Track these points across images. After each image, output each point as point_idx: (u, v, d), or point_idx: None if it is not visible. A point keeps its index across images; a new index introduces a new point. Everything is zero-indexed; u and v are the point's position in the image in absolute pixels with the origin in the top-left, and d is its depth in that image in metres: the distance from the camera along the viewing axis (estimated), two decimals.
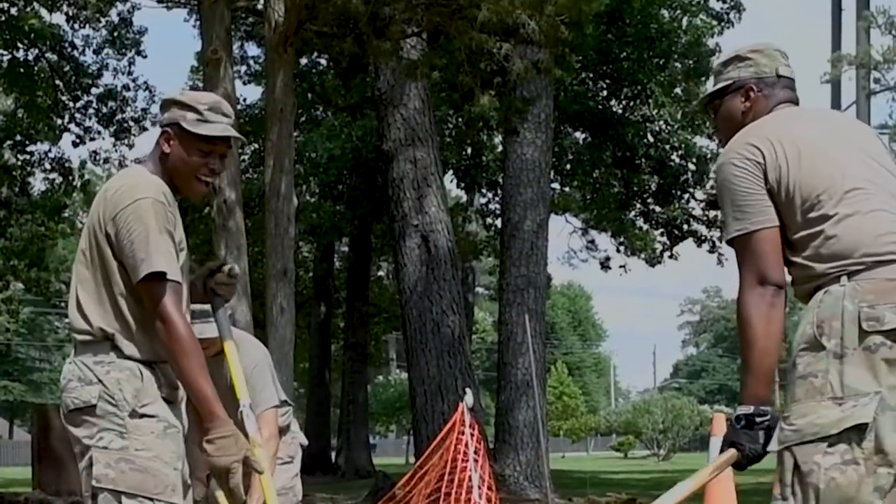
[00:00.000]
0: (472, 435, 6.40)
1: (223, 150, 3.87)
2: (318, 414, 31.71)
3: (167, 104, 3.86)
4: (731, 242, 3.40)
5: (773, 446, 3.26)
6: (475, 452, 6.15)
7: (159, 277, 3.54)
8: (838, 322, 3.16)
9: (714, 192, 3.62)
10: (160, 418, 3.61)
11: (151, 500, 3.53)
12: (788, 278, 3.42)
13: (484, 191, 28.35)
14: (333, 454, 32.49)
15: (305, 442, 4.64)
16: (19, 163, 23.67)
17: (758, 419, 3.30)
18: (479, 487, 6.22)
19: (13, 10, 20.79)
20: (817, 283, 3.28)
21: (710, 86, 3.85)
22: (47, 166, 23.75)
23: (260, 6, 13.83)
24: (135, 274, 3.56)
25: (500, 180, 20.38)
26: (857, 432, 3.08)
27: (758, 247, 3.32)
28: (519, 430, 16.02)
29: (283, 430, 4.94)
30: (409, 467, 8.46)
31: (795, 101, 3.68)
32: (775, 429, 3.28)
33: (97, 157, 23.93)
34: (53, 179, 23.78)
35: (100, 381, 3.58)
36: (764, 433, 3.30)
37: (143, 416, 3.58)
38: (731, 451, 3.34)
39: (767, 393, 3.34)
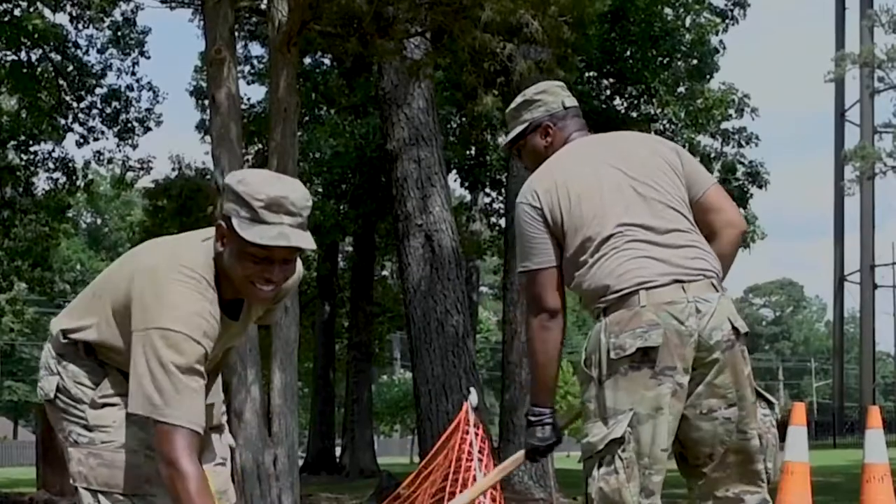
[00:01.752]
0: (476, 434, 6.40)
1: (285, 256, 3.19)
2: (322, 413, 31.74)
3: (226, 190, 3.23)
4: (519, 275, 4.08)
5: (581, 459, 3.84)
6: (480, 452, 6.16)
7: (171, 427, 3.11)
8: (597, 355, 3.72)
9: None
10: (122, 405, 3.30)
11: (125, 495, 3.31)
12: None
13: (488, 190, 28.38)
14: (338, 454, 32.51)
15: (234, 444, 4.34)
16: (23, 163, 23.70)
17: (532, 419, 3.99)
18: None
19: (17, 11, 20.81)
20: (594, 319, 3.82)
21: (509, 130, 4.16)
22: (51, 166, 23.77)
23: (263, 6, 13.83)
24: (147, 410, 3.13)
25: (504, 179, 20.38)
26: (617, 444, 3.65)
27: (537, 281, 3.84)
28: (523, 429, 16.02)
29: (217, 428, 4.49)
30: (414, 467, 8.46)
31: (585, 127, 4.13)
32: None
33: (101, 158, 23.94)
34: (57, 179, 23.80)
35: (58, 372, 3.40)
36: (542, 428, 4.01)
37: (104, 405, 3.35)
38: (520, 452, 4.10)
39: (547, 397, 4.00)
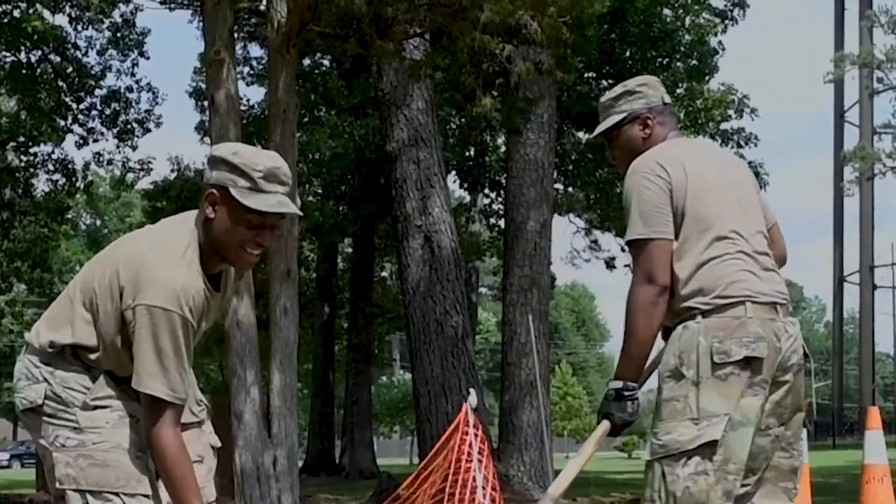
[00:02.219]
0: (475, 435, 6.41)
1: (275, 222, 3.42)
2: (321, 415, 31.74)
3: (216, 161, 3.39)
4: (630, 243, 3.84)
5: (646, 456, 3.82)
6: (479, 453, 6.16)
7: (156, 399, 3.32)
8: (694, 355, 3.69)
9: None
10: (114, 408, 3.42)
11: (116, 494, 3.36)
12: None
13: (487, 191, 28.36)
14: (337, 455, 32.51)
15: (216, 443, 4.22)
16: (22, 164, 23.71)
17: (626, 393, 3.83)
18: (483, 488, 6.22)
19: (16, 12, 20.81)
20: (679, 317, 3.78)
21: (603, 119, 4.13)
22: (50, 168, 23.77)
23: (263, 7, 13.83)
24: (135, 379, 3.33)
25: (504, 181, 20.39)
26: (709, 447, 3.65)
27: (653, 252, 3.76)
28: (523, 430, 16.02)
29: (197, 424, 4.38)
30: (413, 468, 8.46)
31: (678, 126, 4.16)
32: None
33: (101, 159, 23.94)
34: (57, 181, 23.80)
35: (45, 379, 3.42)
36: (632, 403, 3.85)
37: (95, 407, 3.41)
38: (605, 423, 3.88)
39: (637, 374, 3.86)
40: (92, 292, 3.42)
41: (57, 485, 3.38)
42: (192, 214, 3.52)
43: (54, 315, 3.51)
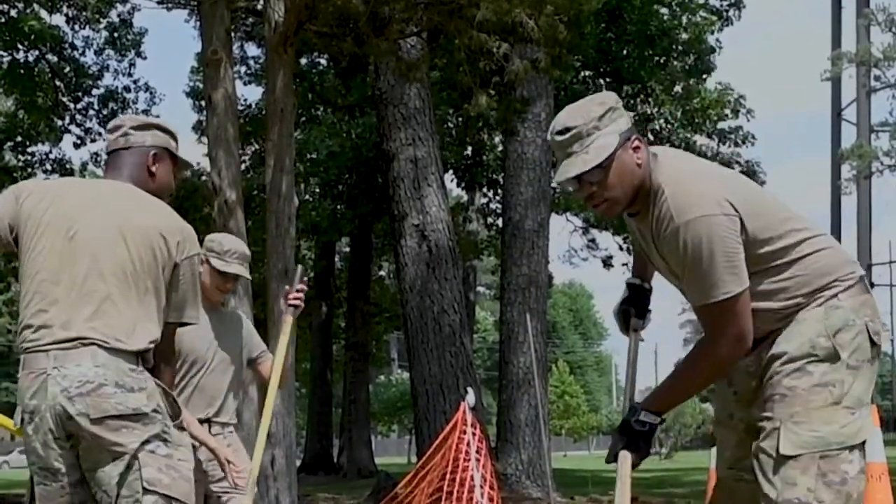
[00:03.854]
0: (474, 434, 6.41)
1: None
2: (319, 414, 31.75)
3: (145, 126, 3.99)
4: (717, 303, 3.29)
5: (788, 450, 3.25)
6: (477, 451, 6.16)
7: (184, 324, 3.85)
8: (850, 335, 3.29)
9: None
10: (186, 432, 3.76)
11: None
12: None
13: (485, 190, 28.36)
14: (335, 454, 32.51)
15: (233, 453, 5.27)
16: (20, 164, 23.68)
17: (656, 427, 3.47)
18: (481, 487, 6.22)
19: (13, 12, 20.80)
20: (796, 307, 3.36)
21: (579, 150, 3.37)
22: (48, 167, 23.74)
23: (260, 7, 13.84)
24: (179, 315, 3.81)
25: (501, 179, 20.39)
26: (864, 443, 3.28)
27: (744, 306, 3.29)
28: (520, 428, 16.03)
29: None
30: (411, 466, 8.46)
31: None
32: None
33: (98, 159, 23.93)
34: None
35: (142, 388, 3.57)
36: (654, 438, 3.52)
37: (180, 427, 3.68)
38: (629, 458, 3.48)
39: (669, 410, 3.55)
40: (141, 268, 3.70)
41: (145, 485, 3.50)
42: (128, 184, 3.92)
43: (135, 312, 3.68)
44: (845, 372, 3.27)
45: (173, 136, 3.97)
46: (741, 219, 3.29)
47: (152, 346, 3.64)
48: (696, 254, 3.26)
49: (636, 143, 3.39)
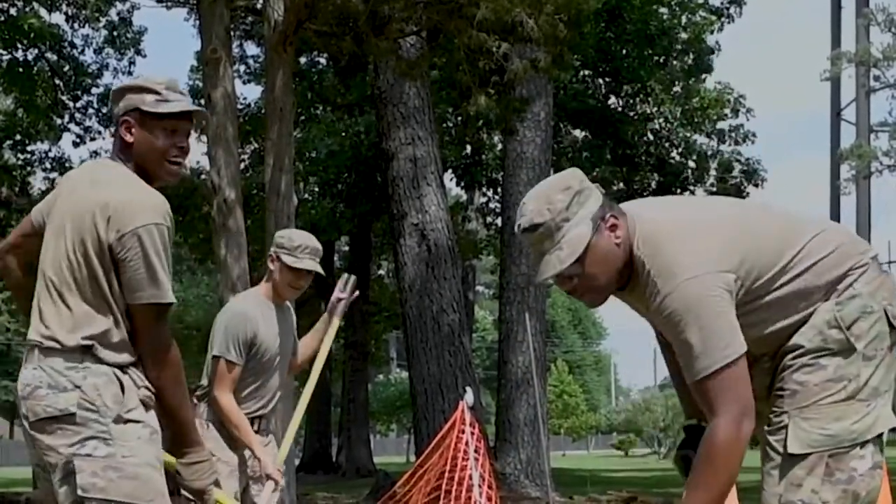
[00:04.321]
0: (472, 434, 6.41)
1: (188, 128, 3.72)
2: (318, 413, 31.73)
3: (119, 93, 3.71)
4: (708, 377, 3.02)
5: (796, 448, 3.09)
6: (475, 451, 6.17)
7: (164, 307, 3.52)
8: (867, 323, 3.11)
9: None
10: (145, 423, 3.49)
11: None
12: None
13: (484, 189, 28.36)
14: (334, 453, 32.51)
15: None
16: (19, 162, 23.69)
17: None
18: (479, 486, 6.22)
19: (13, 10, 20.80)
20: (805, 316, 3.17)
21: (550, 244, 3.12)
22: (47, 166, 23.77)
23: (259, 5, 13.82)
24: (135, 297, 3.46)
25: (500, 178, 20.40)
26: (880, 435, 3.08)
27: (741, 372, 3.02)
28: (519, 428, 16.04)
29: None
30: (410, 466, 8.46)
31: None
32: None
33: (97, 157, 23.94)
34: (53, 179, 23.78)
35: (77, 387, 3.41)
36: None
37: (128, 421, 3.44)
38: None
39: None
40: (76, 260, 3.49)
41: (80, 492, 3.35)
42: (106, 160, 3.76)
43: (72, 308, 3.51)
44: (861, 364, 3.09)
45: (149, 90, 3.63)
46: (736, 274, 3.08)
47: (98, 338, 3.45)
48: (672, 323, 3.05)
49: (611, 221, 3.13)
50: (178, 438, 3.59)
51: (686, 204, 3.53)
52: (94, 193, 3.53)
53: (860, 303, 3.12)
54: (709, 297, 3.00)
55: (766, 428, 3.19)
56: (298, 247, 5.34)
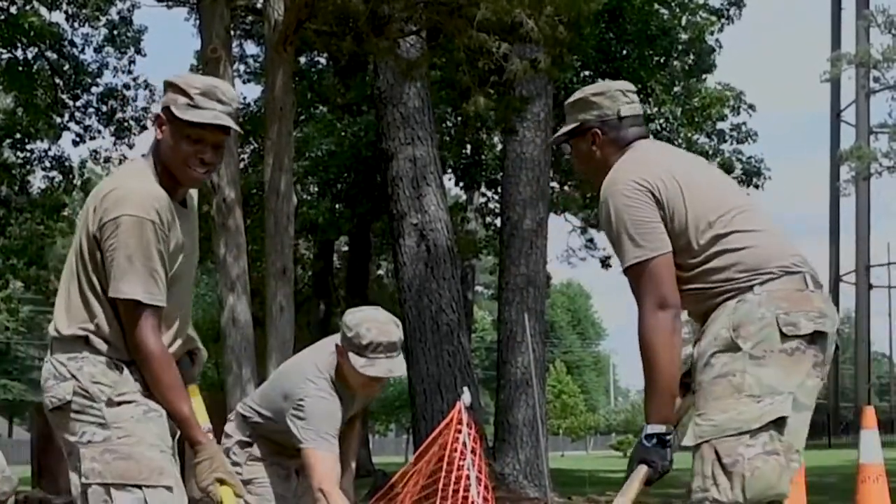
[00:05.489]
0: (469, 434, 6.40)
1: (217, 140, 3.55)
2: None
3: (165, 86, 3.60)
4: (628, 270, 3.54)
5: (688, 441, 3.43)
6: (472, 452, 6.16)
7: (141, 306, 3.42)
8: (755, 327, 3.40)
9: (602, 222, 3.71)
10: (139, 402, 3.49)
11: (139, 486, 3.41)
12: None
13: (483, 189, 28.35)
14: None
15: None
16: (19, 161, 23.69)
17: (667, 437, 3.49)
18: (476, 486, 6.21)
19: (13, 9, 20.79)
20: (722, 297, 3.51)
21: (566, 123, 3.91)
22: (47, 165, 23.76)
23: (259, 5, 13.84)
24: (109, 290, 3.43)
25: (500, 179, 20.38)
26: (776, 425, 3.35)
27: (657, 272, 3.48)
28: (518, 428, 16.01)
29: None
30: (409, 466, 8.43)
31: (646, 135, 3.88)
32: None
33: (97, 156, 23.95)
34: (53, 178, 23.79)
35: (73, 376, 3.46)
36: (670, 450, 3.51)
37: (120, 403, 3.46)
38: (644, 469, 3.52)
39: (671, 412, 3.53)
40: (79, 252, 3.51)
41: (83, 479, 3.43)
42: (139, 155, 3.71)
43: (73, 299, 3.54)
44: (747, 362, 3.37)
45: (183, 92, 3.50)
46: (655, 193, 3.52)
47: (93, 330, 3.48)
48: (608, 227, 3.58)
49: (595, 137, 3.79)
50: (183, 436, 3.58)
51: (688, 161, 3.84)
52: (100, 185, 3.58)
53: (748, 309, 3.42)
54: (629, 205, 3.52)
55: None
56: (370, 345, 4.60)
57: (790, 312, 3.40)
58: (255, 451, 4.99)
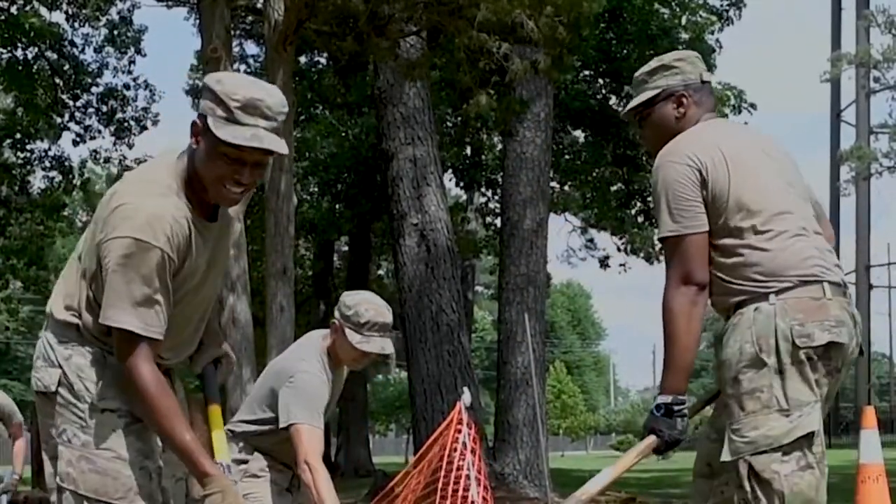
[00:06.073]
0: (469, 435, 6.40)
1: (257, 159, 3.13)
2: None
3: (203, 89, 3.16)
4: (662, 240, 3.64)
5: (725, 457, 3.49)
6: (472, 452, 6.16)
7: (127, 334, 3.14)
8: (773, 340, 3.44)
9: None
10: (122, 412, 3.27)
11: None
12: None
13: (483, 189, 28.36)
14: (333, 453, 32.50)
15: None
16: (19, 161, 23.69)
17: (676, 408, 3.56)
18: (476, 486, 6.21)
19: (13, 9, 20.80)
20: (740, 298, 3.56)
21: (636, 94, 3.90)
22: (47, 165, 23.77)
23: (259, 5, 13.84)
24: (102, 315, 3.16)
25: (500, 179, 20.38)
26: (806, 440, 3.46)
27: (688, 249, 3.55)
28: (518, 428, 16.01)
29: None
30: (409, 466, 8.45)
31: (716, 107, 3.95)
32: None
33: (97, 156, 23.97)
34: (53, 178, 23.81)
35: (60, 364, 3.27)
36: (682, 420, 3.57)
37: (104, 410, 3.25)
38: (652, 438, 3.59)
39: (685, 385, 3.60)
40: (88, 253, 3.29)
41: (58, 480, 3.28)
42: (183, 146, 3.32)
43: (68, 284, 3.35)
44: (772, 377, 3.44)
45: (222, 103, 3.06)
46: (703, 172, 3.56)
47: (81, 318, 3.27)
48: (654, 193, 3.65)
49: (682, 99, 3.81)
50: (187, 469, 3.31)
51: (748, 144, 3.81)
52: (117, 189, 3.26)
53: (765, 320, 3.47)
54: (676, 180, 3.57)
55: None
56: (366, 324, 4.81)
57: (805, 323, 3.44)
58: (251, 467, 5.00)
